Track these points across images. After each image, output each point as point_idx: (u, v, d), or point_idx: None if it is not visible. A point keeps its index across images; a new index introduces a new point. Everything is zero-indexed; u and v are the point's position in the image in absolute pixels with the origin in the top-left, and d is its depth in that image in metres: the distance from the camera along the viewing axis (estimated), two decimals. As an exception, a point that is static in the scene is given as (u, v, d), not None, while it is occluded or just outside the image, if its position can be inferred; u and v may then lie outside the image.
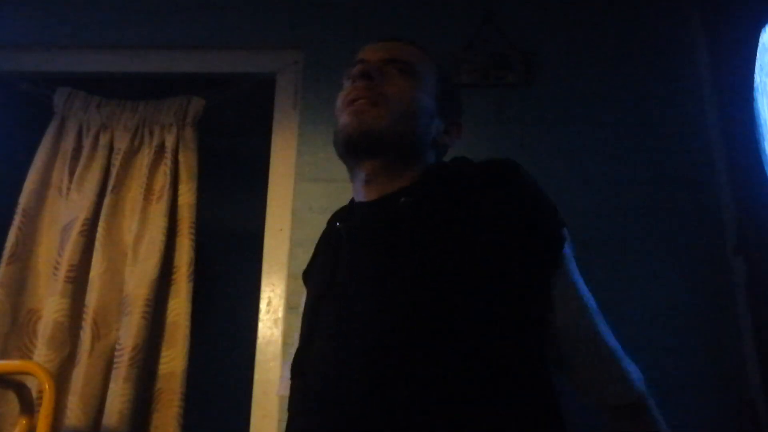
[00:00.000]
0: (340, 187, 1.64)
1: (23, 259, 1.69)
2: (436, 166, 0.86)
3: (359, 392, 0.65)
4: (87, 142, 1.79)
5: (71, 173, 1.76)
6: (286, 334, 1.56)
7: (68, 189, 1.75)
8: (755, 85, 1.50)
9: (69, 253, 1.64)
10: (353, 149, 0.82)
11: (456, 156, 0.89)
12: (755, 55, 1.48)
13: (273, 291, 1.62)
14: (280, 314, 1.59)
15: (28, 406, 1.34)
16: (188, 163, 1.77)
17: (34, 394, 1.39)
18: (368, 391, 0.65)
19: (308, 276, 0.94)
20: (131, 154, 1.79)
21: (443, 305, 0.66)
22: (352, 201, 0.92)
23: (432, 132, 0.86)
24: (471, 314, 0.66)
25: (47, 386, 1.27)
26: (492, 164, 0.81)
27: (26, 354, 1.61)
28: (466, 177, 0.79)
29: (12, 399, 1.44)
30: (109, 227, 1.69)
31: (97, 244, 1.66)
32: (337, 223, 0.85)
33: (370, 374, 0.65)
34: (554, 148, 1.69)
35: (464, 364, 0.64)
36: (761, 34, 1.46)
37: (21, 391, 1.35)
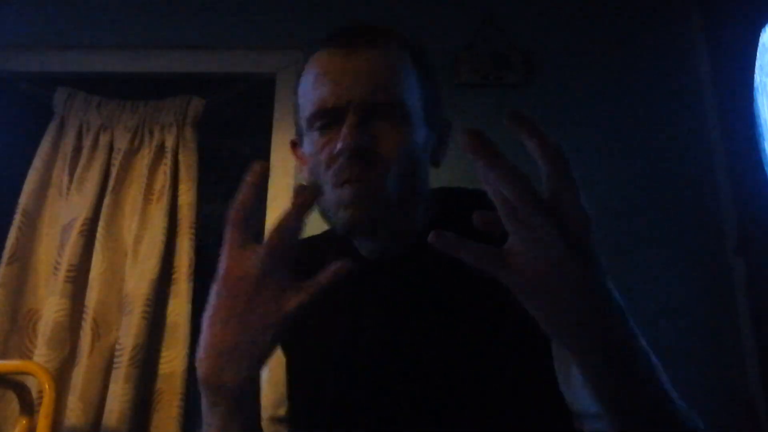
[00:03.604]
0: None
1: (23, 259, 1.68)
2: (444, 216, 0.71)
3: None
4: (87, 142, 1.79)
5: (71, 173, 1.76)
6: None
7: (68, 189, 1.75)
8: (755, 85, 1.50)
9: (69, 253, 1.64)
10: (359, 239, 0.73)
11: (450, 188, 0.80)
12: (755, 55, 1.48)
13: (273, 291, 1.62)
14: (280, 314, 1.59)
15: (28, 406, 1.34)
16: (188, 163, 1.77)
17: (34, 394, 1.38)
18: None
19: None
20: (131, 154, 1.79)
21: (492, 379, 0.63)
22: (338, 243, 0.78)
23: (429, 162, 0.76)
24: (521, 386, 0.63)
25: (47, 386, 1.27)
26: None
27: (26, 354, 1.61)
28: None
29: (12, 399, 1.44)
30: (109, 227, 1.69)
31: (97, 244, 1.66)
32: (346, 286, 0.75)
33: None
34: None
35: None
36: (761, 34, 1.46)
37: (21, 391, 1.35)
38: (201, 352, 0.53)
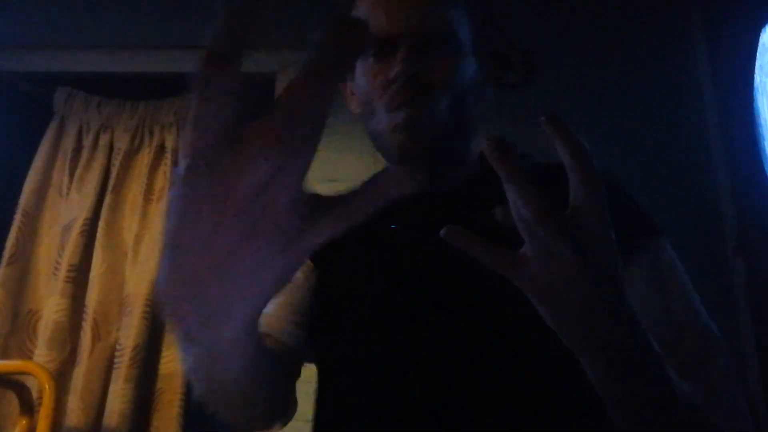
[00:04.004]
0: (340, 187, 1.64)
1: (23, 260, 1.69)
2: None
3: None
4: (87, 142, 1.79)
5: (71, 173, 1.76)
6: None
7: (68, 189, 1.75)
8: (755, 85, 1.50)
9: (69, 253, 1.64)
10: (412, 165, 0.70)
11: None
12: (755, 55, 1.48)
13: (273, 291, 1.62)
14: (280, 314, 1.60)
15: (28, 406, 1.34)
16: (188, 163, 1.77)
17: (34, 394, 1.39)
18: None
19: (335, 261, 0.72)
20: (131, 154, 1.79)
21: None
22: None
23: (478, 95, 0.77)
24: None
25: (47, 386, 1.27)
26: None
27: (26, 354, 1.61)
28: (550, 182, 0.61)
29: (12, 399, 1.44)
30: (109, 227, 1.69)
31: (97, 244, 1.66)
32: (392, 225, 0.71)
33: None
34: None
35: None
36: (761, 34, 1.46)
37: (21, 391, 1.35)
38: (164, 286, 0.32)
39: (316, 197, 0.32)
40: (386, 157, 0.73)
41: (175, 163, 1.76)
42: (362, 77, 0.73)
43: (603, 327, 0.44)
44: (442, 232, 0.45)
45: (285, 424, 0.72)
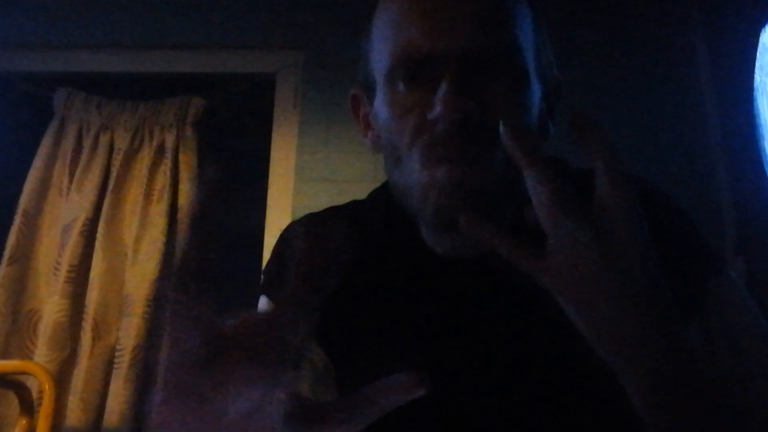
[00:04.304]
0: (340, 187, 1.64)
1: (24, 260, 1.69)
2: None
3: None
4: (87, 143, 1.79)
5: (71, 173, 1.76)
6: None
7: (68, 189, 1.75)
8: (755, 85, 1.50)
9: (69, 254, 1.64)
10: (443, 228, 0.54)
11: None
12: (755, 55, 1.48)
13: (273, 291, 1.62)
14: (280, 314, 1.60)
15: (28, 406, 1.34)
16: (188, 163, 1.77)
17: (34, 394, 1.38)
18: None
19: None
20: (131, 154, 1.79)
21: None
22: (396, 230, 0.60)
23: (542, 137, 0.59)
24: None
25: (47, 386, 1.27)
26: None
27: (26, 354, 1.61)
28: (583, 188, 0.51)
29: (12, 399, 1.44)
30: (109, 227, 1.69)
31: (98, 245, 1.66)
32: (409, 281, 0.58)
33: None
34: (554, 148, 1.69)
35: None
36: (761, 34, 1.46)
37: (21, 391, 1.35)
38: None
39: (309, 409, 0.32)
40: (417, 215, 0.54)
41: (175, 164, 1.76)
42: (385, 108, 0.54)
43: (643, 332, 0.37)
44: (461, 223, 0.40)
45: None
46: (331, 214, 0.68)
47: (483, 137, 0.49)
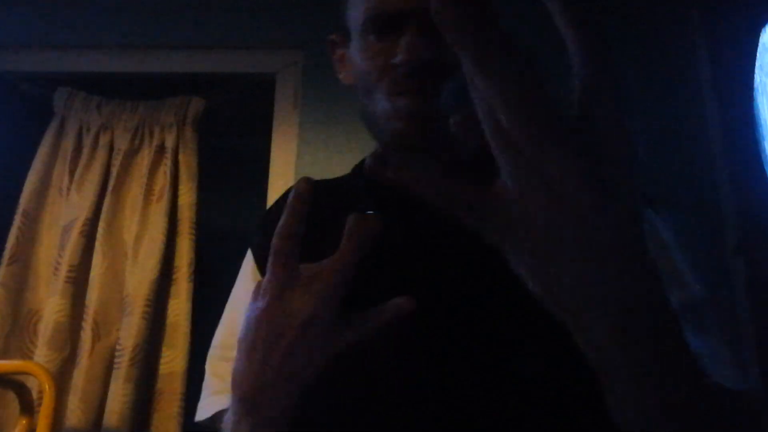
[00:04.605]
0: (340, 187, 1.64)
1: (23, 260, 1.69)
2: None
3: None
4: (87, 142, 1.80)
5: (71, 173, 1.76)
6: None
7: (68, 189, 1.75)
8: (755, 85, 1.50)
9: (69, 254, 1.64)
10: (405, 145, 0.64)
11: None
12: (755, 55, 1.48)
13: (273, 291, 1.62)
14: (280, 314, 1.60)
15: (28, 406, 1.34)
16: (188, 163, 1.77)
17: (34, 394, 1.38)
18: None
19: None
20: (131, 154, 1.79)
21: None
22: (362, 176, 0.69)
23: None
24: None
25: (47, 386, 1.27)
26: None
27: (26, 354, 1.61)
28: None
29: (12, 399, 1.44)
30: (109, 227, 1.69)
31: (98, 244, 1.66)
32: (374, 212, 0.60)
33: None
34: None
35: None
36: (761, 34, 1.46)
37: (21, 391, 1.35)
38: (238, 377, 0.47)
39: (342, 314, 0.46)
40: (378, 139, 0.67)
41: (175, 164, 1.76)
42: (359, 53, 0.65)
43: (623, 281, 0.29)
44: (366, 163, 0.33)
45: None
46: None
47: (436, 78, 0.57)
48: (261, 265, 0.70)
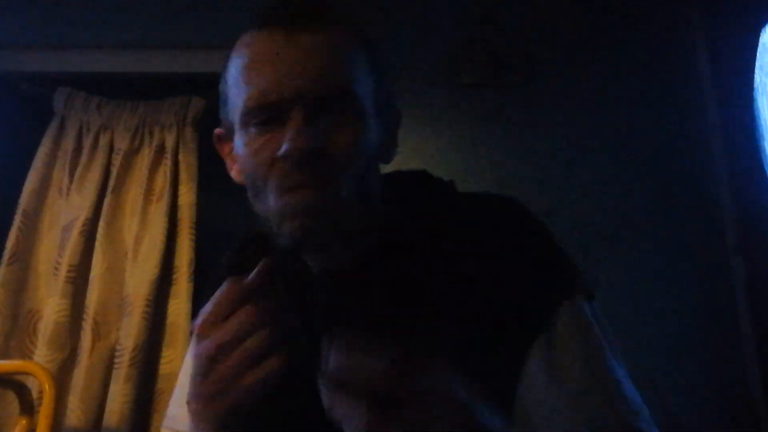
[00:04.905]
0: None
1: (23, 260, 1.68)
2: (404, 215, 0.65)
3: None
4: (87, 142, 1.79)
5: (71, 173, 1.76)
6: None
7: (68, 189, 1.75)
8: (755, 85, 1.50)
9: (69, 254, 1.64)
10: (305, 252, 0.65)
11: (410, 171, 0.71)
12: (755, 55, 1.48)
13: (273, 291, 1.62)
14: (280, 314, 1.60)
15: (28, 406, 1.34)
16: (188, 163, 1.77)
17: (34, 394, 1.39)
18: None
19: None
20: (131, 154, 1.79)
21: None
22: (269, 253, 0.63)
23: (384, 159, 0.67)
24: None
25: (47, 386, 1.27)
26: (485, 210, 0.64)
27: (26, 354, 1.61)
28: (447, 228, 0.62)
29: (12, 399, 1.44)
30: (109, 227, 1.69)
31: (98, 245, 1.66)
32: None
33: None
34: (554, 148, 1.69)
35: None
36: (761, 34, 1.46)
37: (21, 391, 1.35)
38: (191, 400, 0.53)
39: None
40: (277, 241, 0.60)
41: (175, 164, 1.76)
42: (242, 147, 0.61)
43: None
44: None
45: None
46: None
47: (327, 167, 0.57)
48: None
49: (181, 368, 0.77)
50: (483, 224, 0.64)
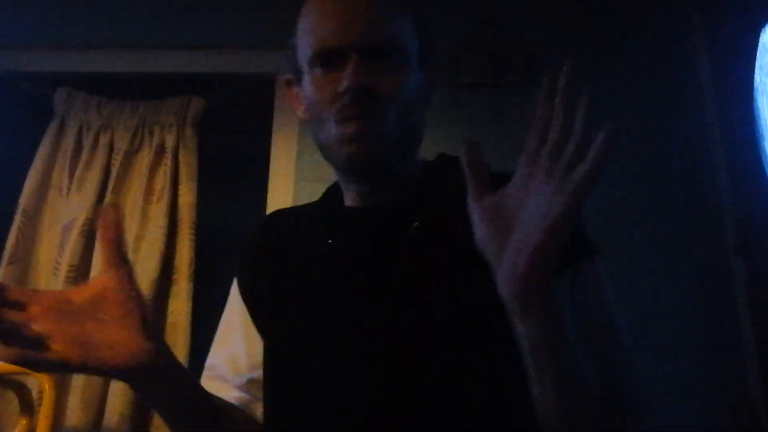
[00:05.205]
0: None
1: (24, 259, 1.69)
2: (438, 169, 0.77)
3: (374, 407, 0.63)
4: (87, 142, 1.80)
5: (71, 173, 1.76)
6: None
7: (68, 189, 1.75)
8: (755, 85, 1.50)
9: (69, 253, 1.64)
10: (359, 176, 0.75)
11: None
12: (755, 55, 1.48)
13: (273, 291, 1.62)
14: (280, 314, 1.60)
15: (28, 406, 1.34)
16: (188, 163, 1.77)
17: (34, 394, 1.38)
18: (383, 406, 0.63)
19: (257, 277, 0.80)
20: (131, 154, 1.79)
21: (455, 330, 0.64)
22: (327, 201, 0.84)
23: (425, 105, 0.78)
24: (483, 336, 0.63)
25: (47, 386, 1.27)
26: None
27: (26, 354, 1.61)
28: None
29: (12, 399, 1.44)
30: (109, 227, 1.69)
31: (98, 244, 1.66)
32: (322, 233, 0.76)
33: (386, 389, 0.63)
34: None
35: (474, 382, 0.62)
36: (761, 34, 1.46)
37: (21, 391, 1.35)
38: None
39: None
40: (334, 166, 0.75)
41: (175, 164, 1.76)
42: (309, 86, 0.74)
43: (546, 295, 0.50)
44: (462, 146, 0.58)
45: None
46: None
47: (379, 101, 0.69)
48: (245, 297, 0.80)
49: (222, 318, 0.83)
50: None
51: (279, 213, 0.90)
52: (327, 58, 0.71)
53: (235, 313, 0.80)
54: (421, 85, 0.75)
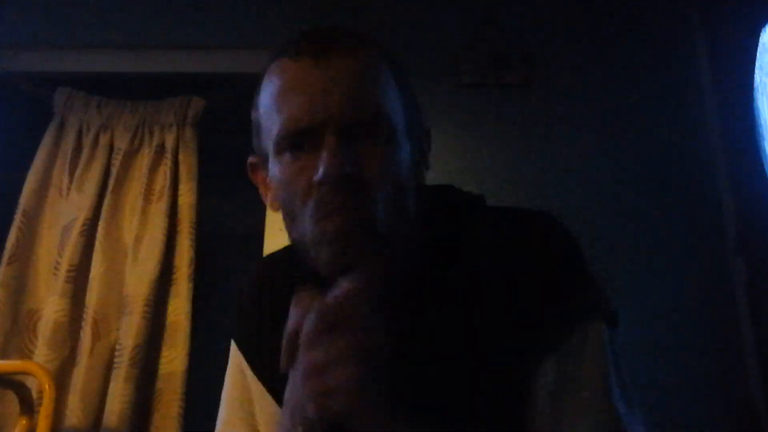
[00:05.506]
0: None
1: (23, 259, 1.68)
2: (442, 237, 0.65)
3: None
4: (87, 142, 1.79)
5: (71, 173, 1.76)
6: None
7: (68, 189, 1.75)
8: (755, 85, 1.50)
9: (69, 253, 1.64)
10: (339, 268, 0.60)
11: (445, 186, 0.71)
12: (755, 55, 1.48)
13: (273, 291, 1.61)
14: (280, 314, 1.59)
15: (28, 406, 1.34)
16: (188, 163, 1.77)
17: (34, 394, 1.38)
18: None
19: (257, 350, 0.72)
20: (131, 154, 1.79)
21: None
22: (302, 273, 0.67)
23: (414, 180, 0.66)
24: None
25: (47, 386, 1.27)
26: (513, 224, 0.65)
27: (26, 354, 1.61)
28: (482, 247, 0.63)
29: (12, 399, 1.44)
30: (109, 227, 1.69)
31: (97, 244, 1.66)
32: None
33: None
34: (554, 148, 1.69)
35: None
36: (761, 34, 1.46)
37: (21, 391, 1.35)
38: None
39: None
40: (312, 267, 0.60)
41: (175, 164, 1.76)
42: (278, 174, 0.61)
43: None
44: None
45: None
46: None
47: (363, 190, 0.57)
48: (251, 363, 0.73)
49: (226, 383, 0.77)
50: (510, 239, 0.63)
51: (272, 263, 0.79)
52: (297, 140, 0.59)
53: (235, 390, 0.75)
54: (410, 161, 0.63)
